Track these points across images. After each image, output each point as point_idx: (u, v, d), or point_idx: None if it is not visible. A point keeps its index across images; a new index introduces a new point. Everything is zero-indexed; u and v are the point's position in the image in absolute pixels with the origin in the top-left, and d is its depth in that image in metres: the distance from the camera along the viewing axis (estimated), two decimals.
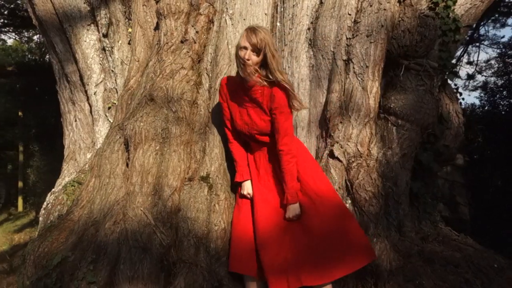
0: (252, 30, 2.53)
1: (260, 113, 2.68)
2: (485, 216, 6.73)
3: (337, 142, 3.10)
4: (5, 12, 10.64)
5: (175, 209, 2.86)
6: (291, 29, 3.40)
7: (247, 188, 2.84)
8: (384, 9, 3.12)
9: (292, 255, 2.58)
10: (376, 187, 3.01)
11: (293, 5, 3.40)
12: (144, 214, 2.78)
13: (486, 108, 10.43)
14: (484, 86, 11.83)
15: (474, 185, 6.86)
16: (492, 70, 12.15)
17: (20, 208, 13.24)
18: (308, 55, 3.37)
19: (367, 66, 3.09)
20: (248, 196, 2.82)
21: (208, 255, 2.79)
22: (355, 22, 3.18)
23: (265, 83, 2.57)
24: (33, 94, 12.57)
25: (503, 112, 10.01)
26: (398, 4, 3.20)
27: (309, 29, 3.35)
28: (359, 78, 3.10)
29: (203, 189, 2.93)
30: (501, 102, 10.54)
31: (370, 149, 3.10)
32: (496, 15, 11.36)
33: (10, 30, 13.22)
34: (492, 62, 12.11)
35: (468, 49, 11.73)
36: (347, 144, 3.07)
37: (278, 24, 3.47)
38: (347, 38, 3.18)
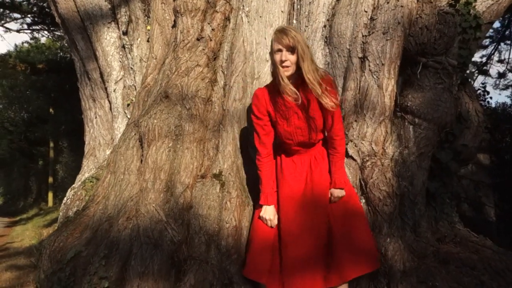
0: (281, 31, 2.49)
1: (311, 110, 2.59)
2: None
3: (351, 141, 3.06)
4: (35, 9, 10.95)
5: (187, 206, 2.89)
6: (307, 26, 3.37)
7: (269, 213, 2.71)
8: (401, 6, 3.05)
9: (314, 256, 2.61)
10: (390, 186, 2.96)
11: (310, 2, 3.37)
12: (156, 211, 2.82)
13: None
14: None
15: (501, 186, 6.64)
16: None
17: (50, 203, 13.64)
18: (324, 53, 3.34)
19: (382, 64, 3.04)
20: (269, 222, 2.70)
21: (219, 253, 2.80)
22: (371, 19, 3.12)
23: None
24: (63, 92, 12.91)
25: None
26: (416, 1, 3.13)
27: (325, 26, 3.32)
28: (375, 76, 3.05)
29: (215, 187, 2.94)
30: None
31: (385, 148, 3.04)
32: None
33: (44, 28, 13.62)
34: None
35: (500, 47, 11.37)
36: (361, 143, 3.03)
37: (294, 21, 3.45)
38: (363, 36, 3.13)
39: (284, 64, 2.47)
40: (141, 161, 3.11)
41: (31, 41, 15.12)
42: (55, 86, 13.45)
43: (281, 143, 2.79)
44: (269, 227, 2.71)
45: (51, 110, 14.11)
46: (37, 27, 13.23)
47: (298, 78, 2.53)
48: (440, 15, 3.14)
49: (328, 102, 2.47)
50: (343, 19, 3.19)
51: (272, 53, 2.55)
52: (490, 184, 6.06)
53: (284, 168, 2.79)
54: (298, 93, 2.49)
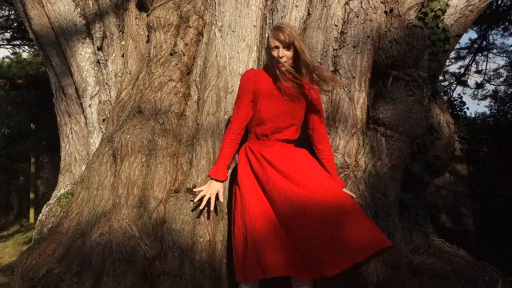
0: (277, 28, 2.56)
1: (298, 103, 2.67)
2: (491, 227, 6.60)
3: None
4: (14, 25, 10.87)
5: (160, 221, 2.87)
6: None
7: (215, 188, 2.65)
8: (371, 20, 3.11)
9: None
10: (364, 198, 2.98)
11: (282, 17, 3.41)
12: (129, 226, 2.80)
13: (495, 117, 10.30)
14: (494, 95, 11.69)
15: (480, 196, 6.74)
16: (501, 79, 11.99)
17: (31, 219, 13.39)
18: None
19: (353, 77, 3.08)
20: (209, 197, 2.64)
21: (193, 268, 2.78)
22: (342, 33, 3.17)
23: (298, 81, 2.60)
24: (44, 106, 12.77)
25: None
26: (384, 15, 3.19)
27: None
28: (346, 89, 3.09)
29: (189, 201, 2.93)
30: (511, 111, 10.39)
31: (358, 160, 3.08)
32: (506, 24, 11.25)
33: (25, 43, 13.51)
34: (501, 71, 11.95)
35: (477, 58, 11.60)
36: (334, 155, 3.05)
37: (267, 35, 3.48)
38: (333, 49, 3.17)
39: (282, 60, 2.55)
40: (115, 176, 3.09)
41: (12, 56, 14.97)
42: (35, 101, 13.30)
43: (260, 130, 2.70)
44: (265, 220, 2.49)
45: (32, 125, 13.94)
46: (17, 42, 13.12)
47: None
48: (409, 28, 3.20)
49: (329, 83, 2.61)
50: (314, 33, 3.24)
51: (268, 48, 2.61)
52: (468, 194, 6.14)
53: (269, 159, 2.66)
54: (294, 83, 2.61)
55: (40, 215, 3.84)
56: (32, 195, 13.48)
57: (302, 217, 2.39)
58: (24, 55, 16.05)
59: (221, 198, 2.68)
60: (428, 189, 3.87)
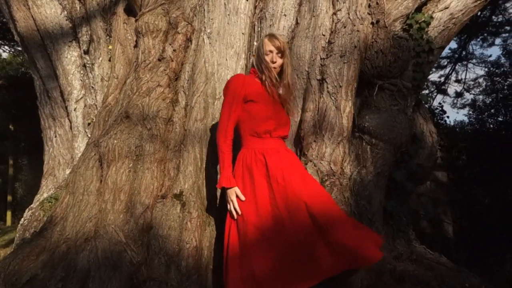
0: (272, 35, 2.72)
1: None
2: (470, 234, 6.74)
3: (311, 161, 3.12)
4: None
5: (147, 226, 2.86)
6: None
7: (234, 194, 2.59)
8: (358, 31, 3.18)
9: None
10: (349, 205, 3.03)
11: (270, 25, 3.45)
12: (115, 232, 2.78)
13: (474, 126, 10.55)
14: (473, 104, 11.97)
15: (459, 203, 6.88)
16: (480, 89, 12.28)
17: (8, 222, 13.13)
18: None
19: (340, 86, 3.14)
20: (241, 198, 2.57)
21: (179, 274, 2.77)
22: (329, 42, 3.23)
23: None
24: (24, 108, 12.55)
25: (490, 130, 10.12)
26: (371, 26, 3.26)
27: None
28: (333, 98, 3.14)
29: (176, 207, 2.93)
30: (489, 120, 10.66)
31: (343, 168, 3.12)
32: (485, 35, 11.54)
33: (5, 43, 13.28)
34: (480, 80, 12.26)
35: (456, 67, 11.86)
36: (320, 163, 3.10)
37: (255, 43, 3.52)
38: (321, 58, 3.23)
39: (273, 65, 2.68)
40: (101, 181, 3.07)
41: None
42: (15, 102, 13.06)
43: (264, 127, 2.67)
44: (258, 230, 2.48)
45: (10, 126, 13.68)
46: None
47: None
48: (395, 39, 3.28)
49: (290, 108, 2.78)
50: (302, 42, 3.28)
51: (260, 53, 2.70)
52: (448, 201, 6.26)
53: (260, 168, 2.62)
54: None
55: (22, 219, 3.78)
56: (9, 198, 13.23)
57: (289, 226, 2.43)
58: (4, 55, 15.79)
59: (242, 198, 2.58)
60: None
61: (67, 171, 3.98)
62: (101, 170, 3.11)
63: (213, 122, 3.24)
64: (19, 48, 14.18)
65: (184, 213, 2.93)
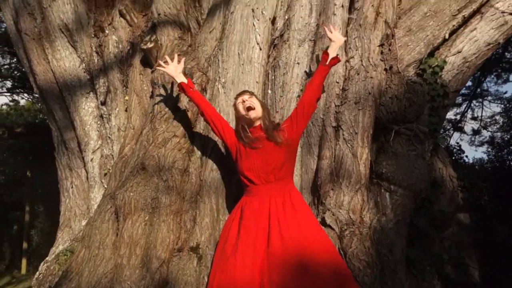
0: (239, 93, 2.85)
1: (273, 145, 2.67)
2: (497, 277, 6.47)
3: (329, 210, 3.06)
4: (15, 74, 11.02)
5: (163, 282, 2.80)
6: (282, 96, 3.46)
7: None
8: (371, 77, 3.18)
9: None
10: (370, 256, 2.93)
11: (284, 73, 3.48)
12: None
13: (493, 163, 10.36)
14: (491, 141, 11.82)
15: (483, 245, 6.65)
16: (498, 126, 12.16)
17: (23, 270, 13.08)
18: None
19: (356, 133, 3.11)
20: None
21: None
22: (343, 89, 3.23)
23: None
24: (42, 154, 12.74)
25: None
26: (384, 72, 3.26)
27: (299, 96, 3.41)
28: (349, 145, 3.11)
29: (192, 261, 2.88)
30: (508, 157, 10.47)
31: (363, 216, 3.05)
32: (499, 71, 11.53)
33: (23, 91, 13.66)
34: (497, 117, 12.15)
35: (472, 104, 11.81)
36: (339, 212, 3.04)
37: (269, 91, 3.55)
38: (335, 105, 3.22)
39: (250, 111, 2.70)
40: (117, 234, 3.04)
41: (11, 103, 15.09)
42: (33, 149, 13.28)
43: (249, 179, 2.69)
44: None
45: (28, 173, 13.86)
46: (17, 91, 13.27)
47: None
48: (409, 84, 3.27)
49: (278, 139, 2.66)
50: None
51: (236, 105, 2.78)
52: (472, 244, 6.04)
53: (244, 209, 2.65)
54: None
55: (37, 273, 3.74)
56: (25, 245, 13.24)
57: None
58: (23, 102, 16.18)
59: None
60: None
61: (83, 222, 3.96)
62: (117, 223, 3.09)
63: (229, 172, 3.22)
64: (38, 95, 14.59)
65: (201, 267, 2.88)
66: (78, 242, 3.64)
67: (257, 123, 2.74)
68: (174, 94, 3.44)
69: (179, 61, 3.14)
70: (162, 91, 3.46)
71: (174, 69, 3.08)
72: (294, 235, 2.47)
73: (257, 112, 2.71)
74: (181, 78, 3.07)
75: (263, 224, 2.53)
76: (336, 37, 2.94)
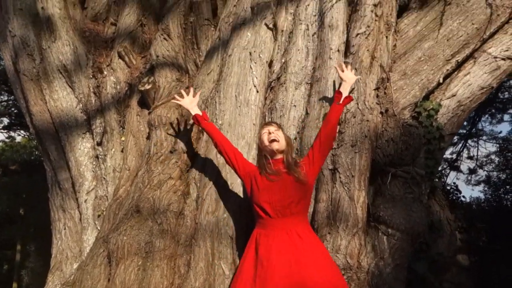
0: (266, 122, 3.01)
1: (292, 180, 2.67)
2: None
3: None
4: (11, 110, 11.06)
5: None
6: None
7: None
8: (367, 120, 3.20)
9: None
10: None
11: (280, 116, 3.50)
12: None
13: (491, 203, 10.36)
14: (487, 181, 11.86)
15: (484, 287, 6.53)
16: (493, 165, 12.22)
17: None
18: None
19: (353, 176, 3.10)
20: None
21: None
22: (340, 132, 3.24)
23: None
24: (35, 192, 12.60)
25: (509, 206, 9.90)
26: (380, 115, 3.29)
27: (295, 138, 3.42)
28: (346, 188, 3.10)
29: None
30: (505, 196, 10.46)
31: (360, 260, 3.01)
32: (493, 111, 11.67)
33: (19, 128, 13.66)
34: (492, 156, 12.23)
35: (468, 144, 11.89)
36: (336, 256, 2.98)
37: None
38: (332, 148, 3.22)
39: (275, 143, 2.73)
40: (109, 280, 2.97)
41: (7, 140, 15.06)
42: (26, 186, 13.15)
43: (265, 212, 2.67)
44: None
45: (21, 211, 13.67)
46: (14, 128, 13.29)
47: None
48: (405, 127, 3.29)
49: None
50: (313, 132, 3.30)
51: (261, 137, 2.83)
52: (471, 286, 5.93)
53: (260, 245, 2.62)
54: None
55: None
56: (15, 285, 12.91)
57: None
58: (19, 138, 16.14)
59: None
60: None
61: (75, 266, 3.86)
62: (109, 268, 3.02)
63: (225, 215, 3.17)
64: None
65: None
66: (68, 287, 3.54)
67: (279, 156, 2.77)
68: (171, 136, 3.44)
69: (194, 95, 3.23)
70: (158, 133, 3.46)
71: (189, 101, 3.19)
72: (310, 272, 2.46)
73: (281, 145, 2.74)
74: (195, 110, 3.15)
75: (282, 260, 2.51)
76: (347, 77, 3.03)
